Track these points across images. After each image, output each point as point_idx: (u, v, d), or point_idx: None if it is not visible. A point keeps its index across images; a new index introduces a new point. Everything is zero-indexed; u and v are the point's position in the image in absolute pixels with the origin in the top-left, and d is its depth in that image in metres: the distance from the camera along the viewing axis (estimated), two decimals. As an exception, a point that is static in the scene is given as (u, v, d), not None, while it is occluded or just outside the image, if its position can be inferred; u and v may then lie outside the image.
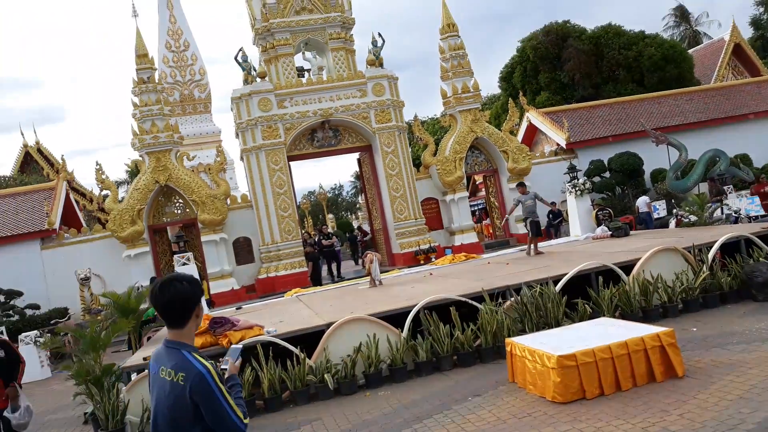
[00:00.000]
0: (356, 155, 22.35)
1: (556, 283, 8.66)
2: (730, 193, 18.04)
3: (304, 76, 20.96)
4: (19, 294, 17.49)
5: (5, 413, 6.16)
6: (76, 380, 7.80)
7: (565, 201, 18.16)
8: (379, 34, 21.32)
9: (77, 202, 25.86)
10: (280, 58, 20.48)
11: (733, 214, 15.09)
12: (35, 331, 14.37)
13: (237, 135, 20.49)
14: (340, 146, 20.83)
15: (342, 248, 28.25)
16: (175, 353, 2.65)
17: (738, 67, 33.35)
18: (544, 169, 22.68)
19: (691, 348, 6.96)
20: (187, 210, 19.73)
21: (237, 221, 19.91)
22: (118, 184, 37.94)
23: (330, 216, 41.56)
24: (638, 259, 9.27)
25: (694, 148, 19.81)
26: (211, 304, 14.71)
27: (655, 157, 21.90)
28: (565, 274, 8.87)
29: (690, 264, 9.26)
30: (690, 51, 34.85)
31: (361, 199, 51.24)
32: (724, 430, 4.71)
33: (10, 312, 16.51)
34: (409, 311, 8.36)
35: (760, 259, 9.30)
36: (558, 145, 24.07)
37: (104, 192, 24.64)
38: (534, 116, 25.40)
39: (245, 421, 2.62)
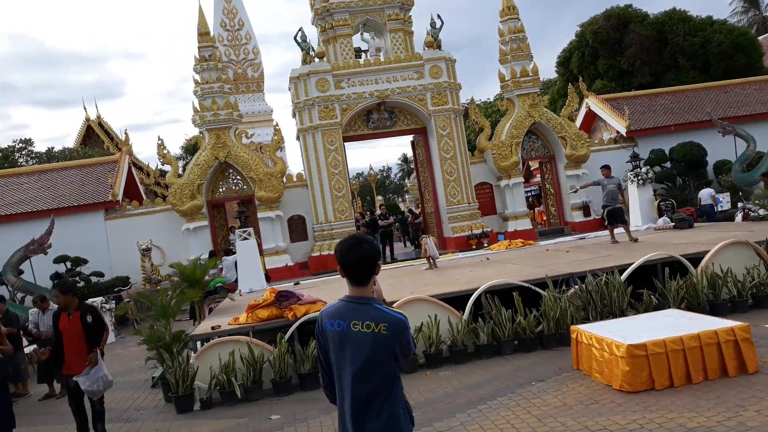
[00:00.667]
0: (410, 137, 22.32)
1: (621, 272, 8.53)
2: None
3: (361, 57, 20.95)
4: (85, 261, 18.21)
5: (76, 377, 6.35)
6: (147, 345, 8.14)
7: (626, 190, 17.75)
8: (438, 16, 21.16)
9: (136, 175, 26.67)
10: (339, 38, 20.53)
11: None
12: (101, 297, 14.97)
13: (294, 114, 20.71)
14: (394, 128, 20.82)
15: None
16: (368, 308, 2.90)
17: (811, 56, 31.74)
18: (602, 156, 22.06)
19: (765, 345, 6.78)
20: (245, 187, 20.14)
21: (292, 199, 20.26)
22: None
23: (379, 197, 41.71)
24: (706, 251, 9.06)
25: (763, 140, 19.04)
26: (267, 278, 15.02)
27: (719, 148, 21.14)
28: (631, 264, 8.73)
29: (762, 259, 8.98)
30: (759, 38, 33.31)
31: (408, 182, 51.26)
32: (806, 428, 4.60)
33: (77, 278, 17.20)
34: (470, 294, 8.40)
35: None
36: (618, 132, 23.47)
37: (163, 167, 25.43)
38: (593, 102, 24.79)
39: None
